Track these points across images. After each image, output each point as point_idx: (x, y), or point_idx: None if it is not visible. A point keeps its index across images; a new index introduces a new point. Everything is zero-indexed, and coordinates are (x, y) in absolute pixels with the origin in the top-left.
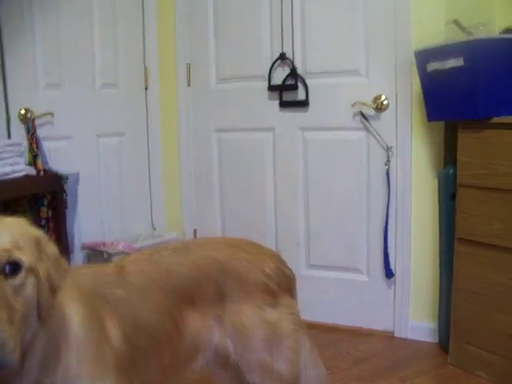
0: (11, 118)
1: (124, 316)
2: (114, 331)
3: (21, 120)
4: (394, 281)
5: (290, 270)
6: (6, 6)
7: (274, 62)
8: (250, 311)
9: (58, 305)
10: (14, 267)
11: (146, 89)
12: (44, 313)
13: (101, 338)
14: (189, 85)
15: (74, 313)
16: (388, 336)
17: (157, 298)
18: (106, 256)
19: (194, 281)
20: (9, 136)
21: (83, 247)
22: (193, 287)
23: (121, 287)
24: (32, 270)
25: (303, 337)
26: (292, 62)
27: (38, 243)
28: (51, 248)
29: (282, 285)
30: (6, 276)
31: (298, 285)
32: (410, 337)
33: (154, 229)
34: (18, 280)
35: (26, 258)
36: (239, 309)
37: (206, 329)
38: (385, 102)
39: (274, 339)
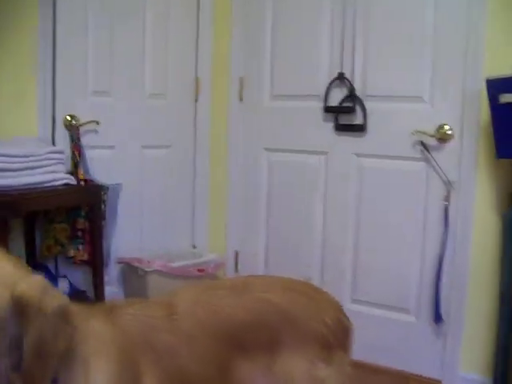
0: (57, 124)
1: (169, 368)
2: None
3: (66, 127)
4: (446, 326)
5: (350, 321)
6: (63, 12)
7: (332, 82)
8: (301, 364)
9: (83, 360)
10: None
11: (196, 101)
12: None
13: None
14: (241, 100)
15: (100, 372)
16: None
17: (206, 345)
18: (140, 273)
19: (248, 326)
20: (53, 142)
21: (118, 261)
22: (246, 333)
23: (169, 333)
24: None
25: None
26: (351, 83)
27: (21, 304)
28: (50, 302)
29: (339, 338)
30: None
31: None
32: None
33: (195, 247)
34: None
35: None
36: (291, 360)
37: (253, 379)
38: (448, 133)
39: None
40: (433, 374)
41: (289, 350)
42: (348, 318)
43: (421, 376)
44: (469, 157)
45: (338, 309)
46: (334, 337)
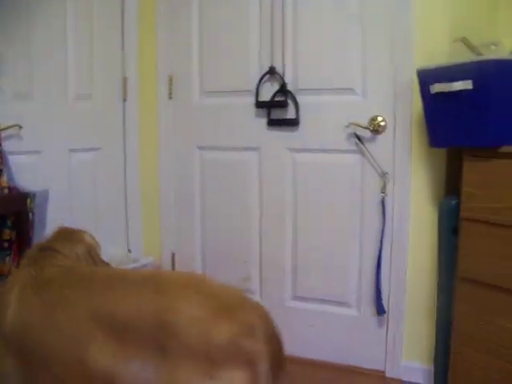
0: None
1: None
2: None
3: None
4: (387, 318)
5: (255, 347)
6: None
7: (263, 77)
8: (184, 375)
9: None
10: None
11: (124, 101)
12: None
13: None
14: (170, 98)
15: None
16: (379, 376)
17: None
18: None
19: (129, 322)
20: None
21: None
22: (128, 326)
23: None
24: None
25: None
26: (282, 78)
27: None
28: None
29: (232, 358)
30: None
31: (284, 318)
32: (403, 378)
33: (130, 252)
34: None
35: None
36: (170, 370)
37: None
38: (382, 124)
39: None
40: (376, 365)
41: (171, 359)
42: (255, 339)
43: (365, 368)
44: (402, 147)
45: (244, 331)
46: (223, 355)
